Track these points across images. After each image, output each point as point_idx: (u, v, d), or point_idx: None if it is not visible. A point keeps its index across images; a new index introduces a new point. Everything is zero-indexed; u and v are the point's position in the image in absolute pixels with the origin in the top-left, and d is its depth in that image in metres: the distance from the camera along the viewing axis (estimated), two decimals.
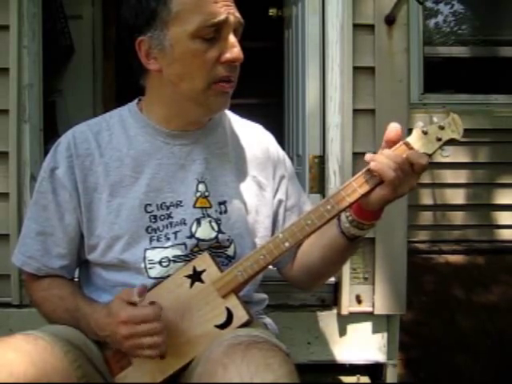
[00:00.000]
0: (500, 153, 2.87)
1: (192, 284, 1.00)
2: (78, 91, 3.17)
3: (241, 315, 0.98)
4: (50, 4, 2.73)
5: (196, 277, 1.01)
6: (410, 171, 0.92)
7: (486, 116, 2.82)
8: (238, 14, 1.02)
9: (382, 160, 0.92)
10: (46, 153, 1.13)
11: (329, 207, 0.96)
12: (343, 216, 1.01)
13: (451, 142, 0.96)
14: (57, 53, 2.96)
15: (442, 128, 0.95)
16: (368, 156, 0.94)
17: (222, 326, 0.98)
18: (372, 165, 0.92)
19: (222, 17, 0.98)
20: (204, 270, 1.01)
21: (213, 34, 0.99)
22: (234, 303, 0.99)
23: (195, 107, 1.06)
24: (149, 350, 0.92)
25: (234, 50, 1.00)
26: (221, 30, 1.00)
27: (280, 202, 1.18)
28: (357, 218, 1.00)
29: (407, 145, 0.94)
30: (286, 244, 0.98)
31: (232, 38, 1.01)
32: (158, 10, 0.99)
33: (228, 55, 1.00)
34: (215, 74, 1.01)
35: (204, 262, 1.01)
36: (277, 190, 1.18)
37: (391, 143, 0.95)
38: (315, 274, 1.16)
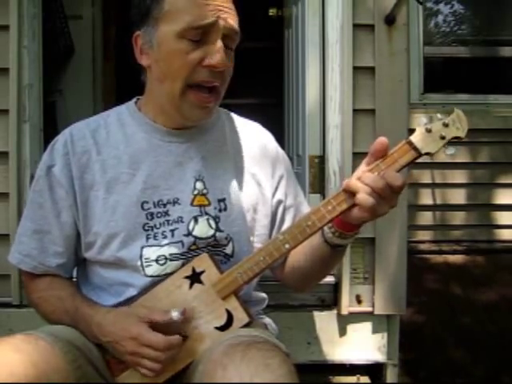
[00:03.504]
0: (500, 153, 2.87)
1: (191, 285, 1.00)
2: (78, 91, 3.18)
3: (241, 317, 0.98)
4: (50, 4, 2.73)
5: (195, 278, 1.00)
6: (390, 193, 0.90)
7: (486, 116, 2.81)
8: (231, 21, 1.01)
9: (365, 190, 0.90)
10: None
11: (330, 208, 0.94)
12: (325, 227, 1.00)
13: (455, 139, 0.93)
14: (57, 53, 2.96)
15: (446, 125, 0.92)
16: (346, 184, 0.93)
17: (222, 328, 0.98)
18: (356, 198, 0.91)
19: (210, 20, 0.98)
20: (203, 271, 1.00)
21: (199, 36, 0.98)
22: (234, 305, 0.99)
23: (174, 112, 1.06)
24: (145, 371, 0.95)
25: (216, 55, 0.99)
26: (209, 33, 0.99)
27: (279, 201, 1.17)
28: (339, 230, 1.00)
29: (410, 144, 0.92)
30: (287, 246, 0.97)
31: (218, 44, 0.99)
32: (152, 7, 1.01)
33: (210, 60, 0.99)
34: (194, 76, 1.00)
35: (203, 262, 1.01)
36: (276, 190, 1.17)
37: (376, 157, 0.93)
38: (305, 278, 1.16)
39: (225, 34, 1.00)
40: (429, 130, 0.92)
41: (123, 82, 3.18)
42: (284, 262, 1.17)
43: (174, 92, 1.01)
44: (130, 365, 0.97)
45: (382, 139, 0.92)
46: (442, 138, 0.92)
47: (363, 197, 0.89)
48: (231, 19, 1.01)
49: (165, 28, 1.00)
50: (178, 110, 1.04)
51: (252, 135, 1.20)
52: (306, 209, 1.20)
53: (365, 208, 0.90)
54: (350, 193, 0.92)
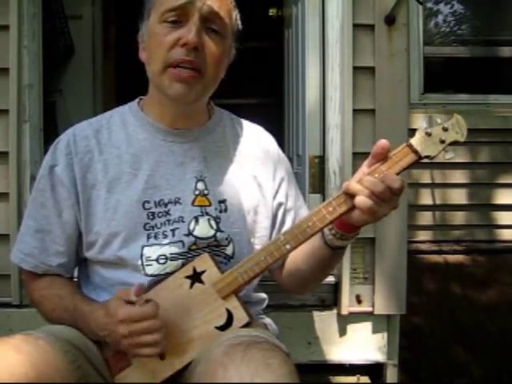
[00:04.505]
0: (500, 153, 2.87)
1: (192, 285, 1.00)
2: (78, 91, 3.17)
3: (241, 317, 0.98)
4: (50, 4, 2.73)
5: (196, 278, 1.01)
6: (390, 196, 0.90)
7: (486, 116, 2.81)
8: (210, 3, 1.02)
9: (361, 192, 0.90)
10: (46, 153, 1.13)
11: (331, 209, 0.95)
12: (326, 228, 1.01)
13: (454, 143, 0.95)
14: (57, 53, 2.96)
15: (445, 130, 0.94)
16: (345, 187, 0.93)
17: (223, 328, 0.98)
18: (355, 201, 0.91)
19: (182, 1, 1.01)
20: (204, 271, 1.01)
21: (175, 18, 1.02)
22: (234, 305, 0.99)
23: (160, 94, 1.07)
24: (148, 349, 0.93)
25: (189, 32, 1.00)
26: (186, 15, 1.02)
27: (280, 204, 1.17)
28: (340, 231, 1.00)
29: (410, 147, 0.93)
30: (287, 246, 0.97)
31: (192, 22, 1.01)
32: (146, 2, 1.07)
33: (182, 39, 1.01)
34: (172, 56, 1.01)
35: (204, 262, 1.01)
36: (277, 192, 1.18)
37: (377, 159, 0.93)
38: (303, 281, 1.16)
39: (204, 15, 1.02)
40: (429, 134, 0.94)
41: (123, 82, 3.18)
42: (282, 266, 1.17)
43: (155, 72, 1.04)
44: (132, 353, 0.96)
45: (383, 142, 0.93)
46: (442, 141, 0.94)
47: (362, 199, 0.90)
48: (212, 1, 1.03)
49: (152, 17, 1.05)
50: (162, 89, 1.05)
51: (253, 137, 1.20)
52: (304, 212, 1.20)
53: (364, 210, 0.91)
54: (351, 195, 0.93)
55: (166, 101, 1.07)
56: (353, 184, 0.92)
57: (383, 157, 0.93)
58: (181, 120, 1.11)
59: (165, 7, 1.02)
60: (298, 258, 1.12)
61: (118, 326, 0.92)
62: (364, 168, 0.95)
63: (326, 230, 1.01)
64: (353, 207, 0.93)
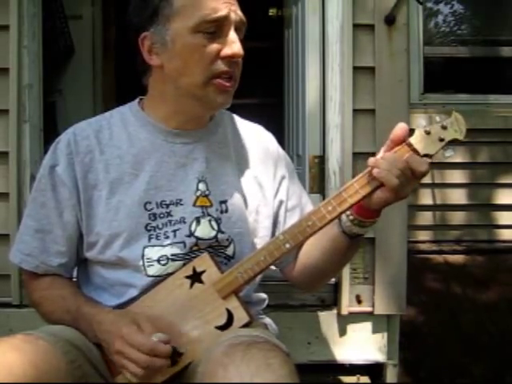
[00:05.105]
0: (500, 153, 2.87)
1: (192, 285, 1.00)
2: (78, 91, 3.18)
3: (241, 317, 0.98)
4: (49, 4, 2.73)
5: (196, 277, 1.01)
6: (411, 176, 0.92)
7: (486, 116, 2.81)
8: (239, 13, 1.03)
9: (385, 167, 0.91)
10: (46, 153, 1.13)
11: (330, 208, 0.95)
12: (344, 215, 1.01)
13: (454, 142, 0.95)
14: (57, 53, 2.96)
15: (444, 128, 0.94)
16: (371, 161, 0.93)
17: (223, 328, 0.98)
18: (375, 172, 0.92)
19: (223, 12, 0.99)
20: (204, 271, 1.01)
21: (213, 29, 1.00)
22: (234, 304, 0.99)
23: (195, 103, 1.06)
24: (128, 374, 0.93)
25: (233, 45, 1.01)
26: (222, 26, 1.01)
27: (281, 202, 1.17)
28: (358, 217, 1.00)
29: (409, 145, 0.93)
30: (287, 245, 0.97)
31: (232, 35, 1.01)
32: (161, 6, 1.01)
33: (227, 51, 1.01)
34: (215, 68, 1.01)
35: (204, 262, 1.01)
36: (277, 191, 1.17)
37: (396, 143, 0.94)
38: (317, 275, 1.15)
39: (237, 26, 1.03)
40: (428, 132, 0.94)
41: (123, 82, 3.18)
42: (294, 261, 1.16)
43: (196, 84, 1.02)
44: (118, 366, 0.96)
45: (403, 125, 0.94)
46: (441, 140, 0.94)
47: (390, 178, 0.90)
48: (238, 10, 1.04)
49: (177, 25, 1.01)
50: (202, 100, 1.04)
51: (253, 137, 1.20)
52: (310, 209, 1.19)
53: (390, 188, 0.91)
54: (373, 175, 0.92)
55: (182, 104, 1.07)
56: (380, 161, 0.92)
57: (402, 140, 0.94)
58: (190, 123, 1.11)
59: (201, 18, 0.99)
60: (313, 251, 1.11)
61: (116, 340, 0.93)
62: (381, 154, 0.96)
63: (343, 218, 1.01)
64: (352, 205, 0.94)
